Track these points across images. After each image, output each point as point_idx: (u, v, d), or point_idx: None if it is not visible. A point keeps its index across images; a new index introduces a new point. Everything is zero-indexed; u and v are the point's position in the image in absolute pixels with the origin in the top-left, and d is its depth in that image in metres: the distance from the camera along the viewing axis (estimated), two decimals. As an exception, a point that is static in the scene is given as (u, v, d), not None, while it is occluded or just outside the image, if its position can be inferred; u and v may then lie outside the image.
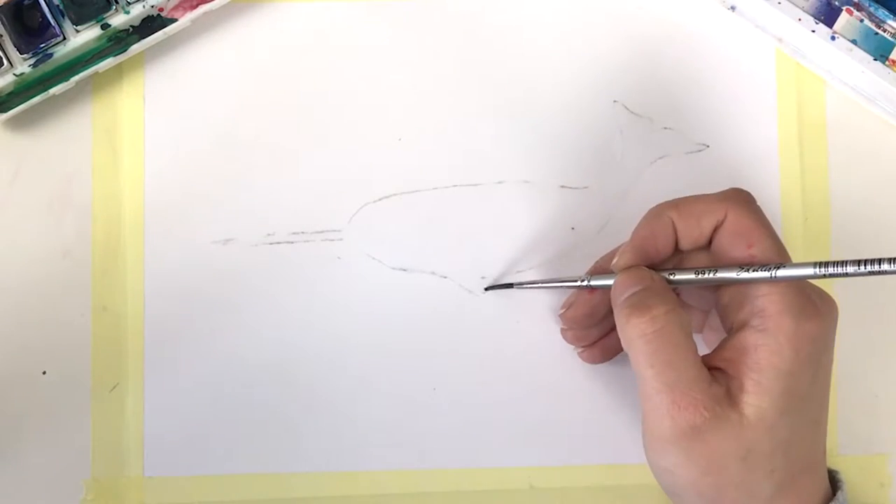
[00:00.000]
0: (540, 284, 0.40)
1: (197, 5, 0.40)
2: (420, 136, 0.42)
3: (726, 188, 0.36)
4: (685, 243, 0.35)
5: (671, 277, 0.35)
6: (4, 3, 0.39)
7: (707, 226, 0.35)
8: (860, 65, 0.41)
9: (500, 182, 0.42)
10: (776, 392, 0.33)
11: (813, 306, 0.33)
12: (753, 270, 0.33)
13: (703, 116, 0.42)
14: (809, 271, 0.33)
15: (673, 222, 0.35)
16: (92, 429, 0.41)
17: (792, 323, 0.33)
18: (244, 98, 0.42)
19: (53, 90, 0.40)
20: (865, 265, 0.32)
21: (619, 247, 0.36)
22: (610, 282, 0.36)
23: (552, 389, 0.41)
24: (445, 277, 0.41)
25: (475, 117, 0.42)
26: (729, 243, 0.35)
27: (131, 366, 0.41)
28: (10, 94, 0.40)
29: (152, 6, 0.40)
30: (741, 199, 0.35)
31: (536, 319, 0.41)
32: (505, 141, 0.42)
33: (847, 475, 0.39)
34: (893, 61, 0.41)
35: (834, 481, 0.36)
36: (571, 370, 0.41)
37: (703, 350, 0.35)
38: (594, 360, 0.40)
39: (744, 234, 0.34)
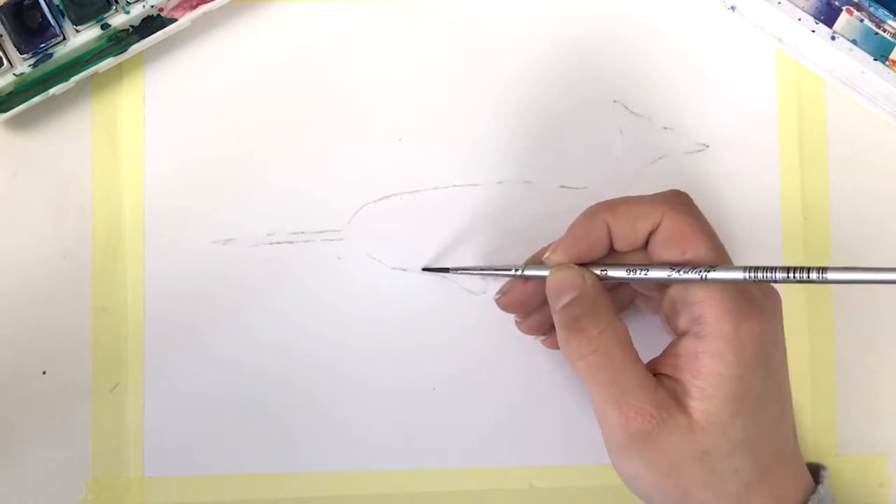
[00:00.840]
0: (476, 271, 0.40)
1: (197, 5, 0.40)
2: (420, 136, 0.42)
3: (665, 190, 0.36)
4: (620, 245, 0.36)
5: (603, 273, 0.35)
6: (4, 3, 0.39)
7: (642, 229, 0.35)
8: (860, 65, 0.41)
9: (500, 182, 0.42)
10: (722, 397, 0.33)
11: (753, 305, 0.33)
12: (684, 272, 0.33)
13: (703, 116, 0.42)
14: (739, 275, 0.33)
15: (608, 224, 0.35)
16: (92, 429, 0.41)
17: (731, 327, 0.33)
18: (244, 98, 0.42)
19: (53, 90, 0.40)
20: (794, 273, 0.32)
21: (554, 242, 0.36)
22: (544, 273, 0.36)
23: (552, 389, 0.41)
24: (445, 277, 0.41)
25: (475, 117, 0.42)
26: (663, 247, 0.35)
27: (131, 366, 0.41)
28: (10, 94, 0.40)
29: (152, 6, 0.40)
30: (677, 203, 0.35)
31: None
32: (505, 141, 0.42)
33: (847, 475, 0.39)
34: (893, 61, 0.41)
35: (817, 475, 0.36)
36: (572, 370, 0.41)
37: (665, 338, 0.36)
38: (555, 346, 0.40)
39: (678, 239, 0.34)
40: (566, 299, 0.35)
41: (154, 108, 0.42)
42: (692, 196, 0.37)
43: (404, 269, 0.41)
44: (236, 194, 0.41)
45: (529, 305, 0.39)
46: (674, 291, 0.35)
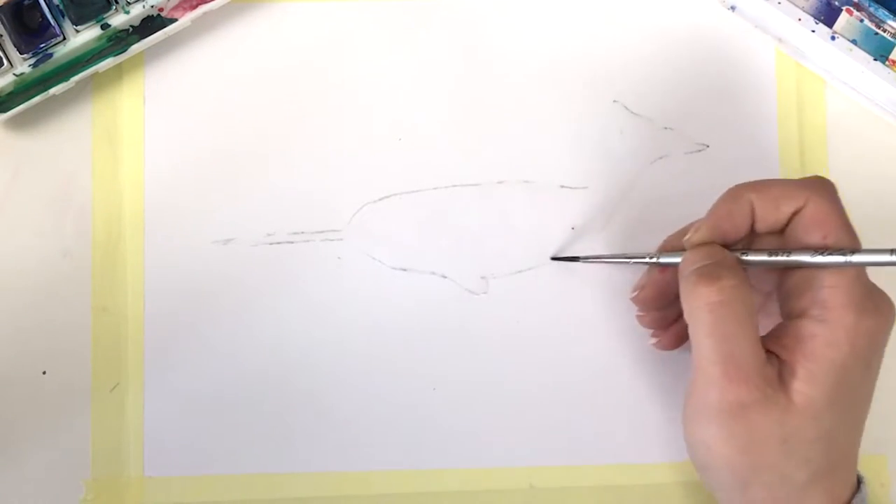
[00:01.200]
0: (607, 259, 0.40)
1: (197, 5, 0.40)
2: (420, 136, 0.42)
3: (809, 176, 0.36)
4: (761, 226, 0.35)
5: (743, 257, 0.35)
6: (4, 3, 0.39)
7: (786, 211, 0.35)
8: (860, 65, 0.41)
9: (500, 182, 0.42)
10: (827, 383, 0.33)
11: (874, 303, 0.34)
12: (828, 254, 0.33)
13: (703, 116, 0.42)
14: (885, 258, 0.33)
15: (752, 204, 0.35)
16: (92, 429, 0.41)
17: (853, 317, 0.33)
18: (244, 98, 0.42)
19: (53, 90, 0.40)
20: None
21: (691, 224, 0.36)
22: (679, 259, 0.36)
23: (552, 389, 0.41)
24: (445, 277, 0.41)
25: (475, 117, 0.42)
26: (805, 231, 0.34)
27: (131, 366, 0.41)
28: (10, 94, 0.40)
29: (152, 6, 0.40)
30: (822, 188, 0.35)
31: (536, 319, 0.41)
32: (505, 141, 0.42)
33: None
34: (893, 61, 0.41)
35: (858, 479, 0.36)
36: (572, 371, 0.41)
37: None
38: (667, 347, 0.40)
39: (821, 224, 0.34)
40: (702, 263, 0.34)
41: (154, 108, 0.42)
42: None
43: (404, 269, 0.41)
44: (236, 194, 0.41)
45: (666, 299, 0.38)
46: (796, 274, 0.35)
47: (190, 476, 0.41)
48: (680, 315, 0.38)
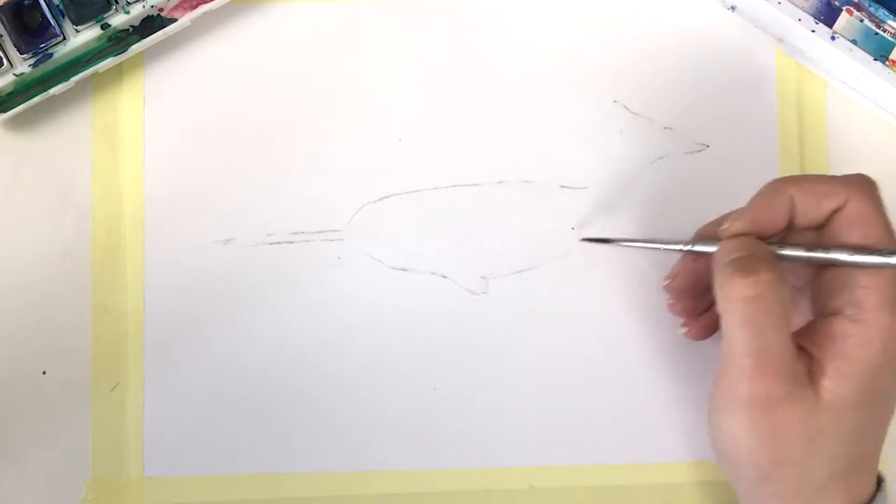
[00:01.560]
0: (640, 243, 0.39)
1: (197, 5, 0.40)
2: (420, 136, 0.42)
3: (852, 173, 0.35)
4: (801, 221, 0.35)
5: (780, 252, 0.35)
6: (4, 3, 0.39)
7: (827, 207, 0.35)
8: (860, 65, 0.41)
9: (500, 182, 0.42)
10: (857, 383, 0.33)
11: None
12: (867, 254, 0.33)
13: (703, 116, 0.42)
14: None
15: (793, 199, 0.35)
16: (92, 429, 0.41)
17: (888, 319, 0.33)
18: (244, 98, 0.42)
19: (53, 90, 0.40)
20: None
21: (728, 214, 0.36)
22: (714, 249, 0.35)
23: (552, 389, 0.41)
24: (445, 277, 0.41)
25: (475, 117, 0.42)
26: (845, 228, 0.34)
27: (131, 366, 0.41)
28: (10, 94, 0.40)
29: (152, 6, 0.40)
30: (864, 186, 0.35)
31: (536, 319, 0.41)
32: (505, 141, 0.42)
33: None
34: (893, 61, 0.41)
35: (878, 481, 0.36)
36: (572, 371, 0.41)
37: None
38: (697, 336, 0.40)
39: (862, 222, 0.34)
40: (738, 254, 0.34)
41: (154, 108, 0.42)
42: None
43: (404, 269, 0.41)
44: (236, 194, 0.41)
45: (700, 287, 0.38)
46: (831, 271, 0.35)
47: (190, 476, 0.41)
48: (711, 305, 0.38)
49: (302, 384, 0.41)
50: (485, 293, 0.41)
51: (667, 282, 0.39)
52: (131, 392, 0.41)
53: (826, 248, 0.34)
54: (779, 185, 0.35)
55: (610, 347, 0.41)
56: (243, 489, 0.41)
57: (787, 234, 0.36)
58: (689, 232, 0.39)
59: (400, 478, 0.41)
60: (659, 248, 0.38)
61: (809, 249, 0.35)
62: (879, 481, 0.36)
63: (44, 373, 0.41)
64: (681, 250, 0.37)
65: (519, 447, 0.41)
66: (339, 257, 0.41)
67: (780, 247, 0.35)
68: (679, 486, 0.41)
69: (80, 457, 0.40)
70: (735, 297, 0.33)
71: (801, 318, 0.36)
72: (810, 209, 0.35)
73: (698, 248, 0.37)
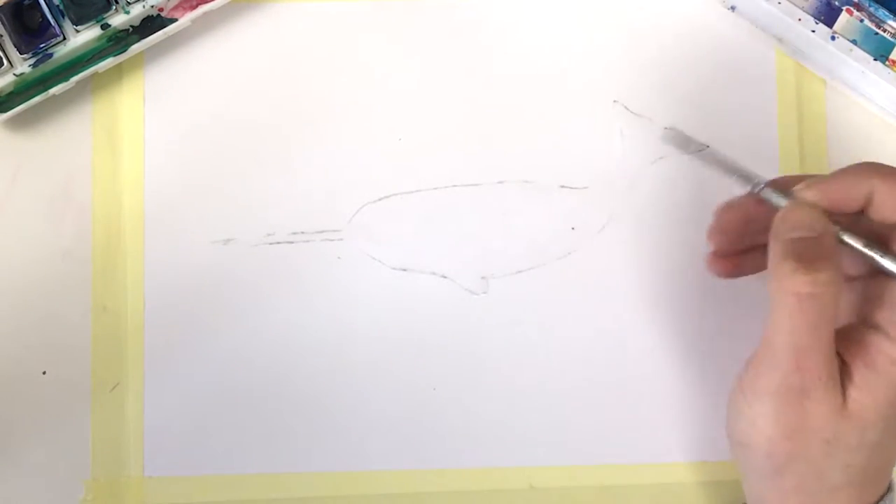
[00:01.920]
0: (716, 162, 0.37)
1: (197, 5, 0.40)
2: (420, 136, 0.42)
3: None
4: (875, 214, 0.34)
5: (841, 236, 0.34)
6: (4, 3, 0.39)
7: None
8: (860, 65, 0.41)
9: (500, 182, 0.42)
10: (881, 399, 0.33)
11: None
12: None
13: (703, 116, 0.42)
14: None
15: (873, 188, 0.33)
16: (92, 429, 0.41)
17: None
18: (244, 98, 0.42)
19: (53, 90, 0.40)
20: None
21: (807, 175, 0.35)
22: (781, 202, 0.34)
23: (552, 389, 0.41)
24: (445, 277, 0.41)
25: (475, 117, 0.42)
26: None
27: (131, 366, 0.41)
28: (10, 94, 0.40)
29: (152, 6, 0.40)
30: None
31: (537, 319, 0.41)
32: (505, 141, 0.42)
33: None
34: (893, 61, 0.41)
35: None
36: (571, 371, 0.41)
37: None
38: (720, 272, 0.38)
39: None
40: (802, 234, 0.33)
41: (154, 108, 0.42)
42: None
43: (404, 269, 0.41)
44: (236, 194, 0.41)
45: (745, 227, 0.37)
46: (884, 281, 0.34)
47: (190, 476, 0.41)
48: (748, 249, 0.37)
49: (302, 384, 0.41)
50: (485, 293, 0.41)
51: (719, 210, 0.38)
52: (131, 392, 0.41)
53: (884, 252, 0.33)
54: (864, 171, 0.34)
55: (610, 348, 0.41)
56: (243, 489, 0.41)
57: (857, 217, 0.34)
58: (690, 234, 0.38)
59: (400, 478, 0.41)
60: (728, 175, 0.37)
61: (868, 245, 0.33)
62: (890, 487, 0.36)
63: (44, 373, 0.41)
64: (750, 192, 0.36)
65: (519, 447, 0.41)
66: (339, 257, 0.41)
67: (844, 231, 0.34)
68: (679, 486, 0.41)
69: (80, 457, 0.40)
70: (791, 289, 0.32)
71: (843, 315, 0.35)
72: (888, 206, 0.33)
73: (767, 194, 0.35)
